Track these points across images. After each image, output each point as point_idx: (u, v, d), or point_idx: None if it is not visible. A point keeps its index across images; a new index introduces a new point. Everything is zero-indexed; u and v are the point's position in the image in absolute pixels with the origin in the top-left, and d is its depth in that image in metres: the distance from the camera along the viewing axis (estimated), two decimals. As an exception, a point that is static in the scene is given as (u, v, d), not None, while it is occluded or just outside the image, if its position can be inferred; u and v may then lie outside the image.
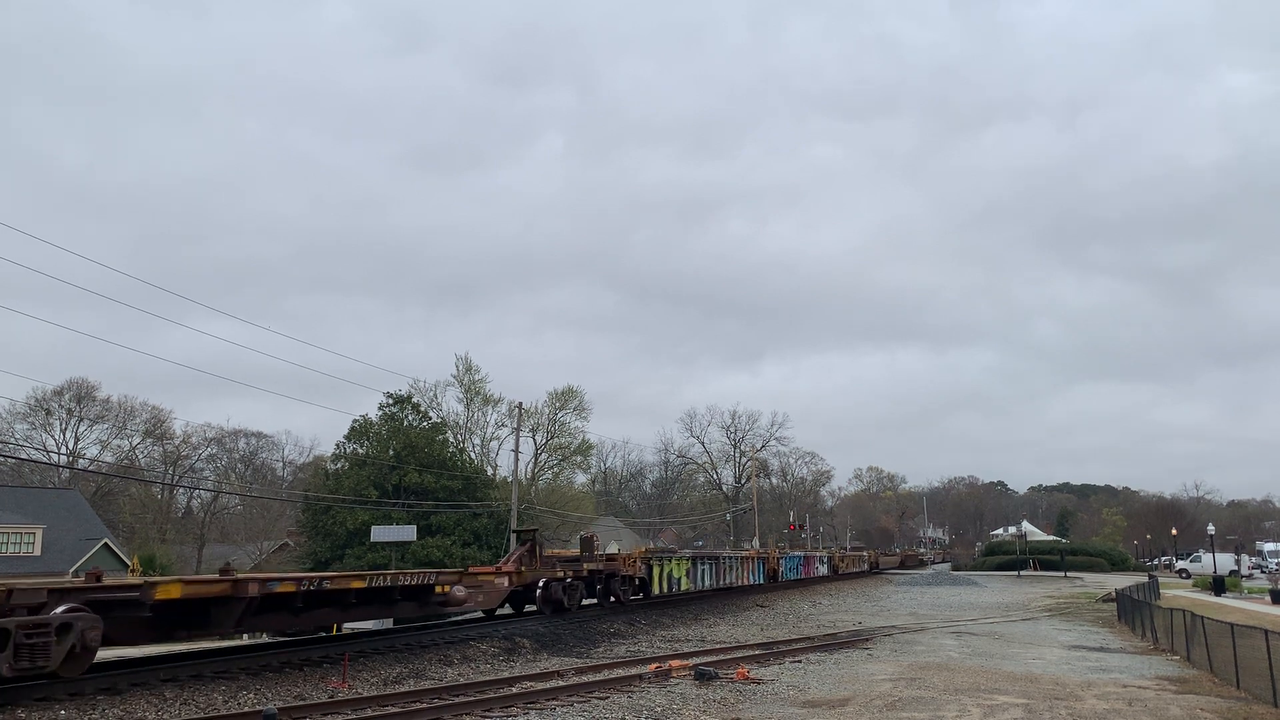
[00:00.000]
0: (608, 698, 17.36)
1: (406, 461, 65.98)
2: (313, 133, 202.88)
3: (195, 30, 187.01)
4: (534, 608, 29.51)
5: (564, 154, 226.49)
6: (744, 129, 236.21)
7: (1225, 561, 75.16)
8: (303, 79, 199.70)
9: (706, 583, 41.90)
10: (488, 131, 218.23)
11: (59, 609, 14.43)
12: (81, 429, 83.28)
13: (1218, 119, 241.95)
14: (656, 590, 36.41)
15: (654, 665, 20.94)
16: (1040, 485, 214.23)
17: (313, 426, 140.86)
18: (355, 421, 70.80)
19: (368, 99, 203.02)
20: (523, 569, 27.98)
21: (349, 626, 28.35)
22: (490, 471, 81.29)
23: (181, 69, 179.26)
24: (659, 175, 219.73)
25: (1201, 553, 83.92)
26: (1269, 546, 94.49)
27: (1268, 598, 46.61)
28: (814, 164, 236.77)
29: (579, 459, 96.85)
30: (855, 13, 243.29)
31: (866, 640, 29.05)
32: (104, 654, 16.55)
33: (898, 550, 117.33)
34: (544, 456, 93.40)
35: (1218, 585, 53.57)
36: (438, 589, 23.08)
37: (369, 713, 15.60)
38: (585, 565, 31.59)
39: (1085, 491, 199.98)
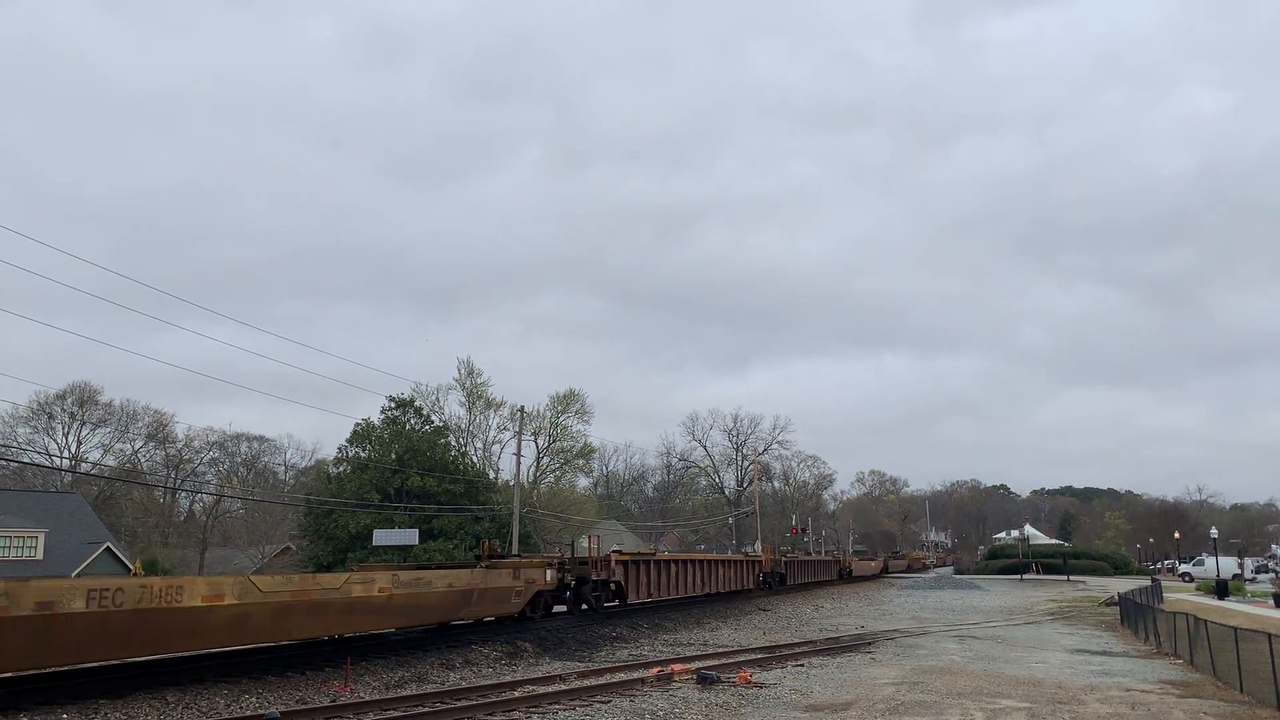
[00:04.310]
0: (609, 701, 17.35)
1: (408, 465, 65.98)
2: (294, 145, 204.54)
3: (178, 47, 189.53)
4: None
5: (542, 168, 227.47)
6: (718, 145, 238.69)
7: (1228, 565, 75.07)
8: (284, 94, 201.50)
9: None
10: (465, 146, 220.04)
11: None
12: (84, 433, 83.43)
13: (1184, 132, 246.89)
14: None
15: (656, 669, 20.92)
16: (1042, 489, 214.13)
17: (314, 430, 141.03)
18: (357, 425, 70.80)
19: (347, 113, 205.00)
20: None
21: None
22: (492, 475, 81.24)
23: (164, 84, 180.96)
24: (636, 189, 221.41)
25: (1204, 556, 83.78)
26: None
27: (1271, 601, 46.51)
28: (790, 178, 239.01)
29: (581, 462, 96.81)
30: (818, 34, 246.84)
31: (869, 644, 29.02)
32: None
33: (873, 555, 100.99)
34: (546, 460, 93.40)
35: (1221, 589, 53.47)
36: None
37: (371, 716, 15.60)
38: None
39: (1088, 495, 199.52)
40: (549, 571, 28.14)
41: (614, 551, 34.41)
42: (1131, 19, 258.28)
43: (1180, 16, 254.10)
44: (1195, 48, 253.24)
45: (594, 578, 31.34)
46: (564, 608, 31.54)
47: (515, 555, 34.14)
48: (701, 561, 41.99)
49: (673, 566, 37.66)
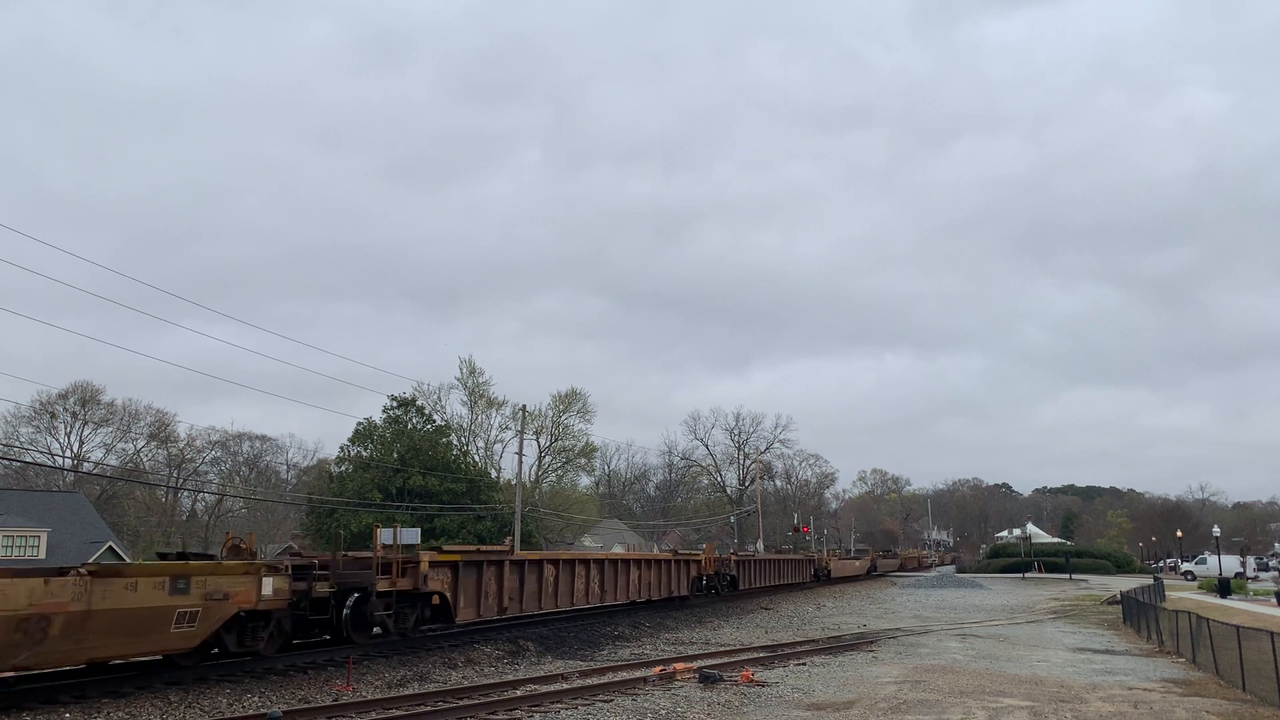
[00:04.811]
0: (612, 700, 17.35)
1: (410, 464, 65.99)
2: (294, 145, 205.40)
3: (179, 48, 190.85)
4: None
5: (541, 169, 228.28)
6: (717, 146, 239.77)
7: (1231, 563, 74.97)
8: (284, 94, 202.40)
9: None
10: (465, 147, 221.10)
11: None
12: (86, 432, 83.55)
13: (1181, 132, 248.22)
14: None
15: (658, 668, 20.92)
16: (1045, 487, 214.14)
17: (316, 429, 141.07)
18: (359, 424, 70.87)
19: (347, 115, 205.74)
20: None
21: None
22: (494, 474, 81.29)
23: (164, 85, 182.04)
24: (636, 189, 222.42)
25: (1207, 555, 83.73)
26: None
27: (1273, 600, 46.44)
28: (789, 178, 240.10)
29: (583, 461, 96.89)
30: (816, 35, 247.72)
31: (871, 643, 29.01)
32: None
33: (862, 552, 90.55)
34: (548, 459, 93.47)
35: (1223, 587, 53.41)
36: None
37: (373, 715, 15.61)
38: None
39: (1090, 494, 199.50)
40: (267, 580, 17.96)
41: (427, 550, 23.42)
42: (1128, 20, 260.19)
43: (1177, 18, 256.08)
44: (1192, 49, 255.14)
45: (384, 589, 20.72)
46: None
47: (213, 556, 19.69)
48: (598, 561, 31.41)
49: (545, 569, 27.28)
